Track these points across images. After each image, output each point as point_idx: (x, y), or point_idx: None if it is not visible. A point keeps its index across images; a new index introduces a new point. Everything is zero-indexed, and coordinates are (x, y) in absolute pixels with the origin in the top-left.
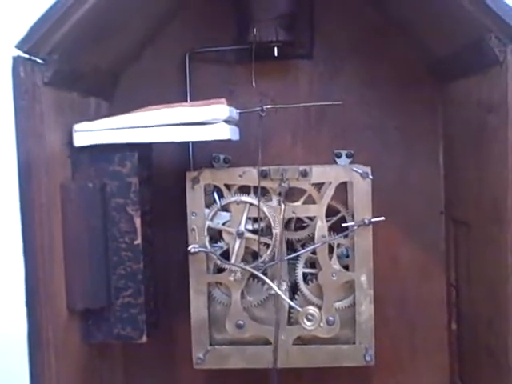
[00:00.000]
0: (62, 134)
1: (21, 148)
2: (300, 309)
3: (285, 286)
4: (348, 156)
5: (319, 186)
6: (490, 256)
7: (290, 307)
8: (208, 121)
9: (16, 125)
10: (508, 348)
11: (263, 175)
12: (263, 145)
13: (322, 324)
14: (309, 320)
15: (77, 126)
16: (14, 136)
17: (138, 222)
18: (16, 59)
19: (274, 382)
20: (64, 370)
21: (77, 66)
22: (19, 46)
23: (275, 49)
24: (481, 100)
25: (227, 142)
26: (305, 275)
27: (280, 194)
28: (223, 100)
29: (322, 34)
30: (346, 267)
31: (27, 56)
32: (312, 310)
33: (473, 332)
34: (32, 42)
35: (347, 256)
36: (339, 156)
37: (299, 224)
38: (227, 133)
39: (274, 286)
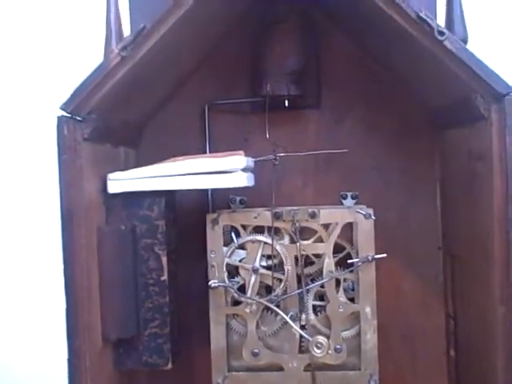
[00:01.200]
0: (97, 182)
1: (63, 196)
2: (310, 338)
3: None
4: (353, 197)
5: (327, 225)
6: (480, 288)
7: (301, 337)
8: (227, 170)
9: (60, 176)
10: (497, 371)
11: (276, 217)
12: (276, 186)
13: (330, 351)
14: (318, 348)
15: (111, 175)
16: (57, 186)
17: (164, 260)
18: (60, 118)
19: None
20: None
21: (110, 123)
22: (63, 108)
23: (286, 101)
24: (471, 149)
25: (243, 186)
26: (314, 307)
27: (294, 233)
28: (241, 152)
29: (329, 86)
30: (352, 299)
31: (69, 116)
32: (321, 339)
33: (468, 358)
34: (74, 104)
35: (353, 289)
36: (345, 197)
37: (309, 260)
38: (244, 180)
39: (286, 317)
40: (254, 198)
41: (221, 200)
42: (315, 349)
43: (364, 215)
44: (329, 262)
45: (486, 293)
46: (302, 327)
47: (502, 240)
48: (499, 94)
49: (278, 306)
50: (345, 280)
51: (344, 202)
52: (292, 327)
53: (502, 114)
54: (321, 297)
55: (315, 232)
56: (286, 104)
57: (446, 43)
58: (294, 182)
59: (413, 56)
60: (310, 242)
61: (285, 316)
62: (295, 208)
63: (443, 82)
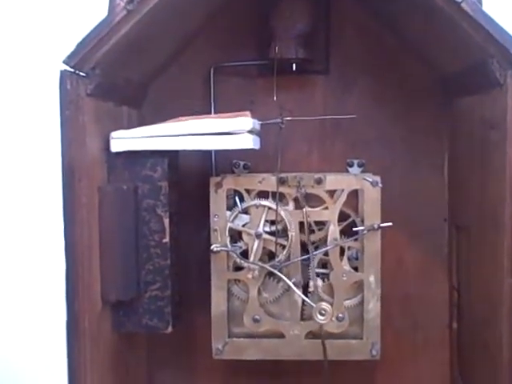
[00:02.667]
0: (100, 140)
1: (65, 153)
2: (314, 304)
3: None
4: (359, 165)
5: (332, 192)
6: (488, 259)
7: (303, 304)
8: (233, 131)
9: (61, 132)
10: (502, 344)
11: (281, 182)
12: (281, 153)
13: (333, 318)
14: (322, 314)
15: (114, 134)
16: (59, 142)
17: (166, 222)
18: (63, 73)
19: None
20: (97, 356)
21: (113, 79)
22: (66, 62)
23: (294, 65)
24: (484, 117)
25: (247, 150)
26: (317, 275)
27: (296, 200)
28: (247, 113)
29: (337, 52)
30: (356, 268)
31: (73, 70)
32: (325, 305)
33: (471, 330)
34: (77, 59)
35: (357, 258)
36: (351, 165)
37: (312, 228)
38: (250, 142)
39: (290, 282)
40: (258, 164)
41: (224, 164)
42: (319, 315)
43: (371, 183)
44: (333, 230)
45: (493, 264)
46: (304, 294)
47: None
48: None
49: (280, 273)
50: (349, 248)
51: (350, 169)
52: (295, 293)
53: None
54: (324, 265)
55: (320, 200)
56: (294, 68)
57: (463, 5)
58: (300, 148)
59: (428, 20)
60: (318, 209)
61: (288, 281)
62: (301, 174)
63: (458, 46)
